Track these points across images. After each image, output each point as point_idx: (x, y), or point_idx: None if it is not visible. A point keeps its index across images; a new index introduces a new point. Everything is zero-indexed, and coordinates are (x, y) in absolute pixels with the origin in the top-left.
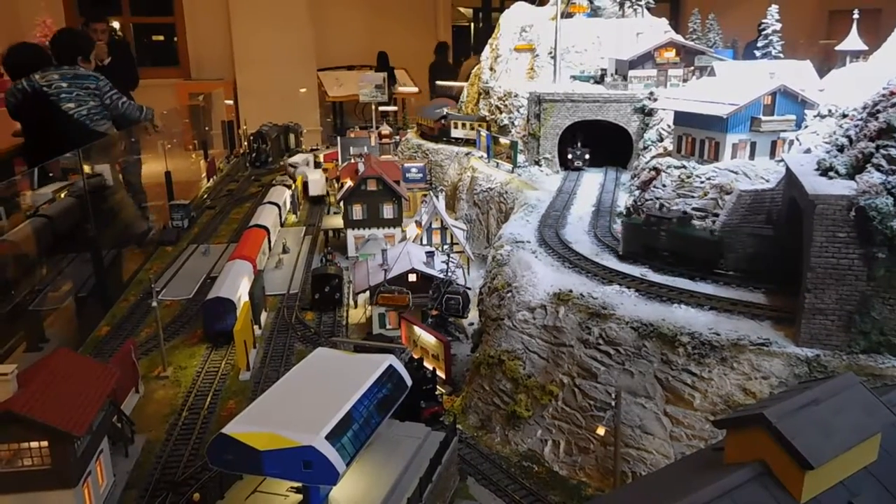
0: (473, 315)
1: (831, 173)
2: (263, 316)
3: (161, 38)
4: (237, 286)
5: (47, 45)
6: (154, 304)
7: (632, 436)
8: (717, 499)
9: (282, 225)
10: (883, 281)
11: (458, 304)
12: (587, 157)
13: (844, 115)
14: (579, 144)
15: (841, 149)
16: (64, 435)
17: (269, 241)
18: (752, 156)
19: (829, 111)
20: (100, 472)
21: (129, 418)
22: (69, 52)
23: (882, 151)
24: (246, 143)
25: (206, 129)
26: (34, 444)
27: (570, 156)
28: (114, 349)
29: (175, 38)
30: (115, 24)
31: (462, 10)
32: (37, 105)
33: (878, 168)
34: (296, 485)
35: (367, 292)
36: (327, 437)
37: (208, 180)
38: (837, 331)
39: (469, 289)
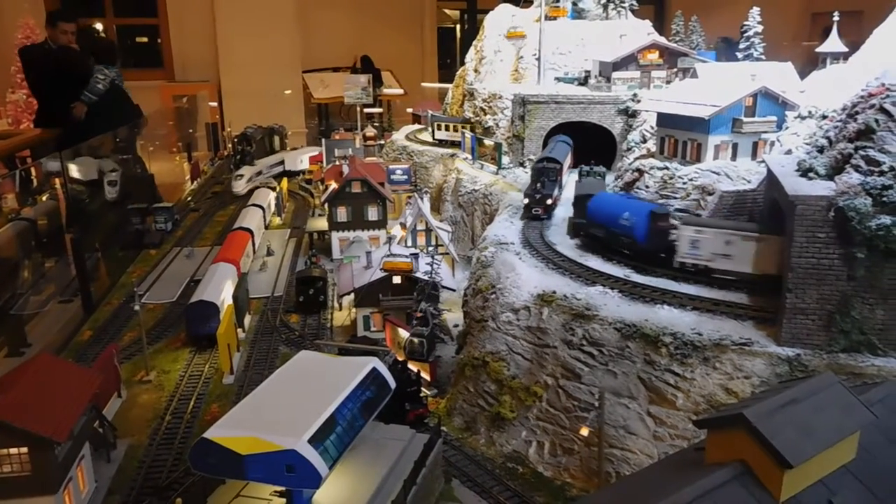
0: (458, 316)
1: (811, 174)
2: (247, 319)
3: (145, 39)
4: (221, 289)
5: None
6: (137, 307)
7: (616, 436)
8: (698, 499)
9: (266, 227)
10: (863, 280)
11: (422, 348)
12: (549, 202)
13: (824, 117)
14: (539, 186)
15: (821, 150)
16: (44, 441)
17: (254, 244)
18: (734, 157)
19: (810, 112)
20: (81, 478)
21: (111, 423)
22: (114, 56)
23: (861, 152)
24: (230, 146)
25: (191, 131)
26: (13, 451)
27: (526, 200)
28: (96, 354)
29: (159, 40)
30: (99, 26)
31: (448, 11)
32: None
33: (856, 169)
34: (279, 489)
35: (352, 294)
36: (310, 441)
37: (192, 182)
38: (818, 330)
39: (454, 290)
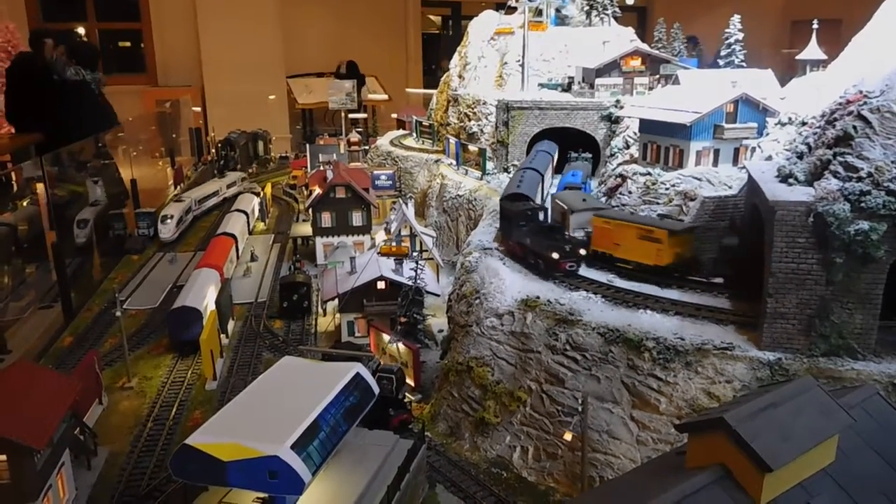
0: (442, 321)
1: (791, 180)
2: (231, 325)
3: (128, 44)
4: (204, 295)
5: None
6: (118, 313)
7: (599, 441)
8: (678, 503)
9: (250, 233)
10: (841, 285)
11: (390, 385)
12: (583, 251)
13: (804, 123)
14: (567, 235)
15: (800, 156)
16: (23, 448)
17: (237, 249)
18: (715, 163)
19: (790, 119)
20: (61, 486)
21: (91, 430)
22: (95, 61)
23: (839, 159)
24: (214, 151)
25: (174, 136)
26: None
27: (556, 255)
28: (77, 360)
29: (142, 45)
30: (81, 30)
31: (432, 17)
32: (89, 98)
33: (835, 175)
34: (262, 495)
35: (336, 300)
36: (293, 447)
37: (176, 188)
38: (798, 334)
39: (438, 295)
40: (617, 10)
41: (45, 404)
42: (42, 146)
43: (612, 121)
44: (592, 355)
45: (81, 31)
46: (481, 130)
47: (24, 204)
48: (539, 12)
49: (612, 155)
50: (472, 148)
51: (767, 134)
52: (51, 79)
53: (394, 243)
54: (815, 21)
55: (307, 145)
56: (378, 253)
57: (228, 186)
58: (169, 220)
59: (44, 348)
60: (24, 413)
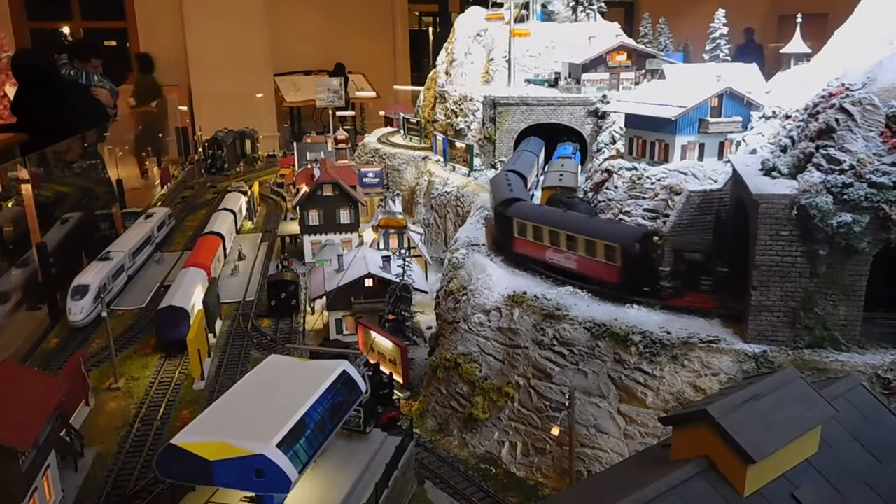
0: (431, 318)
1: (774, 173)
2: (218, 324)
3: (113, 43)
4: (191, 294)
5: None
6: (104, 314)
7: (587, 435)
8: (663, 495)
9: (238, 232)
10: (825, 277)
11: (358, 419)
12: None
13: (788, 117)
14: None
15: (784, 149)
16: (7, 450)
17: (225, 248)
18: (700, 157)
19: (774, 112)
20: (47, 488)
21: (78, 431)
22: (122, 75)
23: (822, 151)
24: (201, 150)
25: (160, 135)
26: None
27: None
28: (63, 361)
29: (128, 44)
30: (66, 30)
31: (418, 14)
32: (82, 100)
33: (818, 167)
34: (249, 494)
35: (324, 298)
36: (279, 445)
37: (162, 187)
38: (783, 327)
39: (426, 292)
40: (603, 5)
41: (30, 405)
42: (27, 146)
43: (599, 116)
44: (579, 350)
45: (66, 30)
46: (468, 127)
47: (9, 205)
48: (524, 18)
49: (598, 150)
50: (460, 144)
51: (752, 128)
52: (53, 77)
53: (381, 242)
54: (800, 15)
55: (295, 143)
56: (378, 225)
57: (160, 227)
58: (82, 295)
59: (30, 350)
60: (8, 414)
